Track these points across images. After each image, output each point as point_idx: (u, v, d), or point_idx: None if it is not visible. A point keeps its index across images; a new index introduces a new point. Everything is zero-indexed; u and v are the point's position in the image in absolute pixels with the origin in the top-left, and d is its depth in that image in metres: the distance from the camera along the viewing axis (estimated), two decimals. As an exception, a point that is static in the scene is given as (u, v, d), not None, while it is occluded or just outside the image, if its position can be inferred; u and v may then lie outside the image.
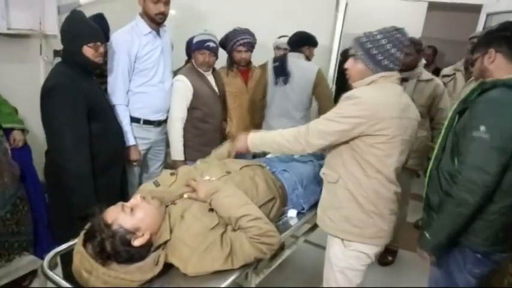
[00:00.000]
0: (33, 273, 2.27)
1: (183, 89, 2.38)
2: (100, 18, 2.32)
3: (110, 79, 2.22)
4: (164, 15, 2.23)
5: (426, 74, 2.64)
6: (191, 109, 2.44)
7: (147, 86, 2.29)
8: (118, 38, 2.18)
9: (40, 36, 2.74)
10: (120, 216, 1.21)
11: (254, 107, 2.78)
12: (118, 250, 1.18)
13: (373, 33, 1.46)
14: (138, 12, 2.26)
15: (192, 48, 2.46)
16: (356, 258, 1.55)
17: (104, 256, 1.17)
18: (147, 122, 2.36)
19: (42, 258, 2.11)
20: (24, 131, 2.26)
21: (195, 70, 2.47)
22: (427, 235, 1.51)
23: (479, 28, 3.63)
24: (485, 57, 1.48)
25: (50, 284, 2.23)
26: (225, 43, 2.66)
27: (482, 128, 1.36)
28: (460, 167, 1.42)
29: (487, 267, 1.53)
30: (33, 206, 2.21)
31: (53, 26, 2.77)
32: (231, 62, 2.70)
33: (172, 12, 2.36)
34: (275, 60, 2.69)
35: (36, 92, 2.81)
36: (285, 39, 3.17)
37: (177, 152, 2.42)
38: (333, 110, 1.47)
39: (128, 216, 1.22)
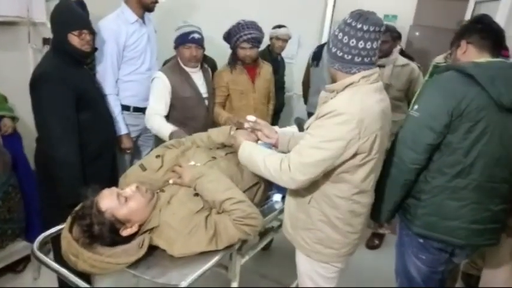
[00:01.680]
0: (26, 259, 2.32)
1: (160, 89, 2.19)
2: (79, 3, 2.24)
3: (99, 69, 2.22)
4: (156, 3, 2.26)
5: (401, 60, 2.71)
6: (170, 108, 2.26)
7: (135, 74, 2.31)
8: (105, 26, 2.18)
9: (28, 23, 2.72)
10: (113, 205, 1.24)
11: (261, 106, 2.61)
12: (105, 236, 1.22)
13: (334, 32, 1.29)
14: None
15: (175, 43, 2.22)
16: (324, 269, 1.46)
17: (89, 237, 1.21)
18: (137, 110, 2.38)
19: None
20: (14, 118, 2.28)
21: (178, 68, 2.24)
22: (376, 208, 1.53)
23: (468, 16, 3.66)
24: (457, 49, 1.47)
25: (43, 269, 2.30)
26: (228, 38, 2.42)
27: (416, 106, 1.39)
28: (395, 143, 1.45)
29: (430, 254, 1.51)
30: (25, 193, 2.24)
31: (40, 13, 2.74)
32: (234, 59, 2.43)
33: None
34: (318, 47, 3.12)
35: (25, 80, 2.79)
36: (285, 30, 3.18)
37: (166, 129, 2.10)
38: (313, 132, 1.25)
39: (122, 207, 1.24)
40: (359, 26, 1.20)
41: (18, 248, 2.23)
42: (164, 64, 2.49)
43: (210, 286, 2.25)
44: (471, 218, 1.41)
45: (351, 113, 1.19)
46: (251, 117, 1.73)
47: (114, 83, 2.25)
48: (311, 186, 1.34)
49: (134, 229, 1.27)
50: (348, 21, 1.23)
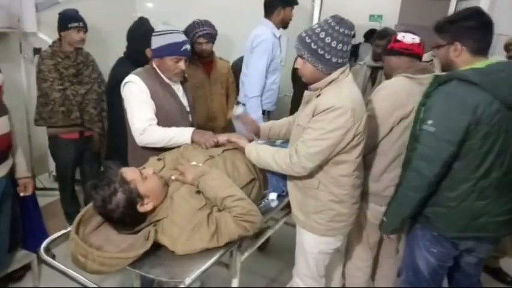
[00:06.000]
0: (26, 268, 2.33)
1: (141, 93, 1.78)
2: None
3: (250, 73, 2.54)
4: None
5: None
6: None
7: (273, 84, 2.66)
8: (268, 38, 2.49)
9: (20, 34, 2.74)
10: (137, 179, 1.32)
11: (219, 97, 2.91)
12: (121, 207, 1.26)
13: (315, 31, 1.41)
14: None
15: (159, 52, 1.82)
16: (327, 244, 1.65)
17: (105, 210, 1.27)
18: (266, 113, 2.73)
19: (35, 252, 2.18)
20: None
21: (156, 75, 1.86)
22: (384, 219, 1.64)
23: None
24: (450, 49, 1.47)
25: (43, 277, 2.31)
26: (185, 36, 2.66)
27: (430, 121, 1.42)
28: (411, 155, 1.50)
29: (444, 248, 1.56)
30: (22, 201, 2.24)
31: (31, 24, 2.78)
32: (192, 54, 2.58)
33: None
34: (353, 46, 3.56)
35: (18, 90, 2.82)
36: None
37: (188, 131, 1.80)
38: (315, 126, 1.45)
39: (143, 182, 1.33)
40: (341, 30, 1.40)
41: (18, 256, 2.24)
42: None
43: (211, 286, 2.30)
44: (495, 211, 1.48)
45: (345, 105, 1.41)
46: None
47: (262, 87, 2.56)
48: (317, 173, 1.54)
49: (150, 207, 1.33)
50: (338, 28, 1.40)
